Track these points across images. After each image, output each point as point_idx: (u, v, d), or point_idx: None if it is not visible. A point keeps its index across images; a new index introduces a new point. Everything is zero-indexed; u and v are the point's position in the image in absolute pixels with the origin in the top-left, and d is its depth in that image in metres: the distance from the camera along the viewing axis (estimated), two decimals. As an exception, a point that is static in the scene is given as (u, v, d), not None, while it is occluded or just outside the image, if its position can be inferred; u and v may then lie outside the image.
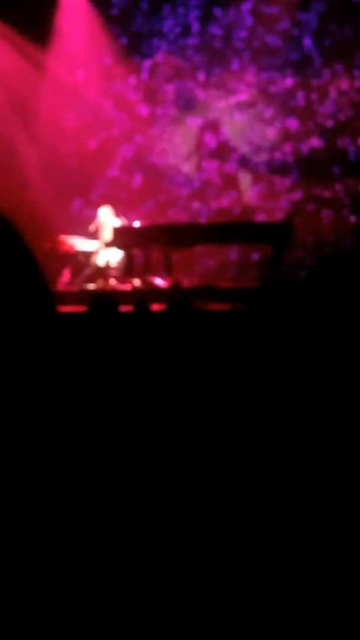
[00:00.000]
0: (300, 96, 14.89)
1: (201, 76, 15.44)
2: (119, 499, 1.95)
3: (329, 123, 14.72)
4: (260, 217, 14.68)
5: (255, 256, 14.31)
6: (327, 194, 14.71)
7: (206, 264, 14.70)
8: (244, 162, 15.34)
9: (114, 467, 2.10)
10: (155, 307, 6.72)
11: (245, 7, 14.96)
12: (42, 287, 1.16)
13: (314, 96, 14.83)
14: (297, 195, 14.89)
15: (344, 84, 14.66)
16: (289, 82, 14.93)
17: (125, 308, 5.73)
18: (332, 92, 14.73)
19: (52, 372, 1.17)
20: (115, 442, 2.31)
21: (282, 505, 2.01)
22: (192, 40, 15.36)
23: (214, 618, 1.76)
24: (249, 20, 14.97)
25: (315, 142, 14.77)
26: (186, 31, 15.39)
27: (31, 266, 1.15)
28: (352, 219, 14.32)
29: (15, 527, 1.18)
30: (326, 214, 14.61)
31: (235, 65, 15.18)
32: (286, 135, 14.99)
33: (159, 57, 15.60)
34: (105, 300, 4.59)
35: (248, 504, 2.00)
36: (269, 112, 15.11)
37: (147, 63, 15.64)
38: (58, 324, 1.18)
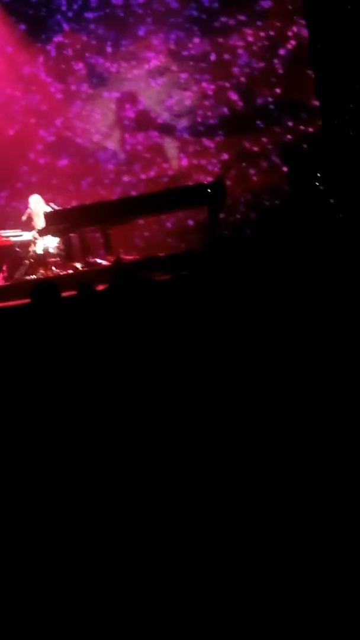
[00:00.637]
0: (210, 54, 14.80)
1: (109, 49, 15.24)
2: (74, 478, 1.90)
3: (243, 78, 14.67)
4: (192, 182, 14.61)
5: (190, 221, 14.29)
6: (255, 147, 14.68)
7: (144, 236, 14.63)
8: (167, 130, 15.23)
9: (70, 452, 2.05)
10: (101, 287, 6.63)
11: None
12: None
13: (224, 52, 14.74)
14: (225, 154, 14.84)
15: (250, 36, 14.60)
16: (196, 41, 14.82)
17: (70, 293, 5.66)
18: (240, 46, 14.66)
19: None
20: (66, 427, 2.26)
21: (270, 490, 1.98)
22: (92, 14, 15.14)
23: (213, 617, 1.73)
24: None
25: (234, 98, 14.71)
26: (85, 5, 15.17)
27: None
28: (284, 168, 14.34)
29: (15, 523, 1.13)
30: (258, 168, 14.60)
31: (141, 32, 15.01)
32: (204, 97, 14.90)
33: (62, 36, 15.37)
34: (45, 288, 4.51)
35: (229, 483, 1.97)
36: (183, 76, 15.00)
37: (51, 45, 15.39)
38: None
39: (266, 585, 1.85)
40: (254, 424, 2.17)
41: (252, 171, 14.59)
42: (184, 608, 1.76)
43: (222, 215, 12.38)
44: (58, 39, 15.37)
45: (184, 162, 15.16)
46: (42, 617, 1.20)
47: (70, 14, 15.24)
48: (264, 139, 14.64)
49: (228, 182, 13.26)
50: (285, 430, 2.17)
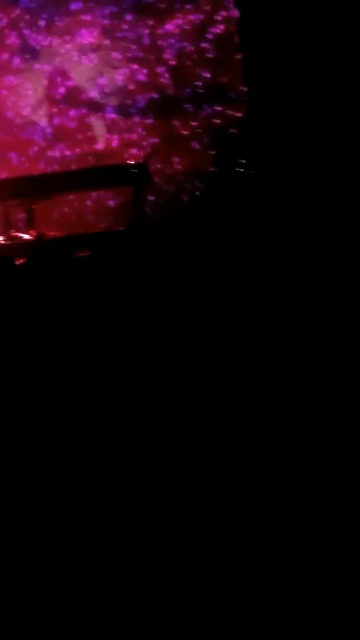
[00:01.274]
0: (143, 36, 14.76)
1: (42, 22, 15.06)
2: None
3: (173, 60, 14.68)
4: (118, 160, 14.56)
5: (115, 200, 14.27)
6: (183, 130, 14.71)
7: (67, 212, 14.55)
8: (96, 108, 15.14)
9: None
10: (20, 261, 6.61)
11: None
12: None
13: (155, 34, 14.71)
14: (152, 136, 14.84)
15: (181, 19, 14.61)
16: (129, 21, 14.76)
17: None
18: (172, 28, 14.66)
19: None
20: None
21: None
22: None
23: (213, 617, 1.77)
24: None
25: (164, 80, 14.71)
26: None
27: None
28: (212, 151, 14.43)
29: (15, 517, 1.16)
30: (185, 151, 14.65)
31: (74, 7, 14.87)
32: (134, 77, 14.87)
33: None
34: None
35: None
36: (114, 55, 14.92)
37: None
38: None
39: (266, 584, 1.91)
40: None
41: (179, 154, 14.63)
42: (184, 608, 1.80)
43: (147, 197, 12.40)
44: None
45: (112, 141, 15.10)
46: (41, 617, 1.23)
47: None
48: (193, 123, 14.70)
49: (155, 164, 13.34)
50: (274, 421, 2.23)
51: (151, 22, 14.64)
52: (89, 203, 14.51)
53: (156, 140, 14.69)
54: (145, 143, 14.76)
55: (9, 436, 2.03)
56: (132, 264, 3.04)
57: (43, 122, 15.33)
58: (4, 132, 15.26)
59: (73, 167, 14.49)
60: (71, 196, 13.96)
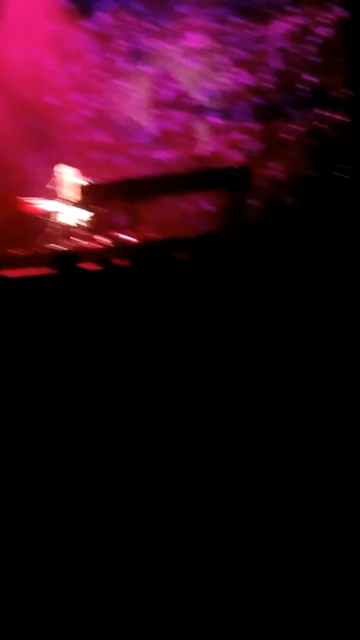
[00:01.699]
0: (249, 39, 14.74)
1: (150, 26, 15.23)
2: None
3: (278, 64, 14.60)
4: (221, 164, 14.58)
5: (217, 204, 14.30)
6: (286, 135, 14.63)
7: (170, 215, 14.64)
8: (200, 111, 15.20)
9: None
10: (122, 262, 6.69)
11: None
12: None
13: (261, 38, 14.67)
14: (255, 140, 14.81)
15: (285, 22, 14.53)
16: (236, 25, 14.76)
17: (92, 266, 5.72)
18: (278, 32, 14.59)
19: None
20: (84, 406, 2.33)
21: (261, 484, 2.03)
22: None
23: (213, 617, 1.77)
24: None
25: (269, 84, 14.65)
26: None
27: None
28: (313, 156, 14.31)
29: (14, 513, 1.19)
30: (288, 155, 14.56)
31: (181, 9, 14.98)
32: (238, 80, 14.86)
33: (105, 12, 15.39)
34: (66, 259, 4.59)
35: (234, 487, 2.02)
36: (220, 59, 14.96)
37: (94, 19, 15.42)
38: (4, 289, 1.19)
39: (266, 584, 1.90)
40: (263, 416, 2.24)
41: (281, 158, 14.53)
42: (184, 607, 1.81)
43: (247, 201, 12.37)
44: (101, 14, 15.39)
45: (215, 145, 15.14)
46: (41, 617, 1.25)
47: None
48: (296, 127, 14.58)
49: (257, 168, 13.30)
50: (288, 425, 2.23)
51: (257, 26, 14.61)
52: (195, 206, 14.57)
53: (259, 144, 14.65)
54: (247, 147, 14.75)
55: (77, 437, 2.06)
56: (232, 268, 3.04)
57: (147, 125, 15.50)
58: (109, 135, 15.50)
59: (175, 170, 14.59)
60: (178, 198, 14.07)
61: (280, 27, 14.51)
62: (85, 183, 12.42)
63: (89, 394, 2.42)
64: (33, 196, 13.29)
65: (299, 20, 14.44)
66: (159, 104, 15.41)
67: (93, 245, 12.05)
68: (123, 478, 1.98)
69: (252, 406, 2.23)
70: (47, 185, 12.65)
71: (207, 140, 15.21)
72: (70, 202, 12.24)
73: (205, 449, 2.13)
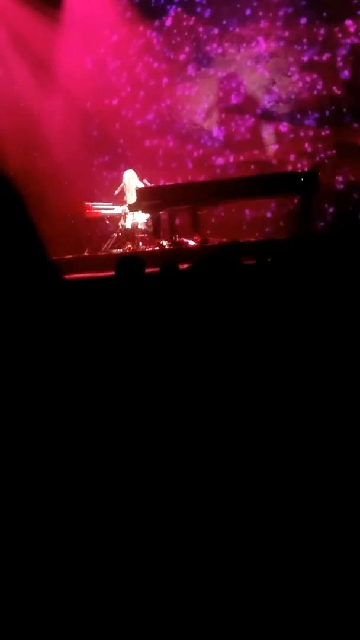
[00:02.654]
0: (318, 44, 14.60)
1: (216, 30, 15.22)
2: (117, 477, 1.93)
3: (347, 70, 14.42)
4: (286, 169, 14.49)
5: (282, 209, 14.21)
6: (352, 139, 14.44)
7: (233, 219, 14.61)
8: (267, 115, 15.13)
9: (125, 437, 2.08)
10: (184, 266, 6.66)
11: None
12: (41, 256, 1.13)
13: (331, 43, 14.51)
14: (322, 145, 14.66)
15: (354, 26, 14.33)
16: (305, 30, 14.64)
17: (154, 269, 5.70)
18: (345, 38, 14.41)
19: (57, 340, 1.14)
20: (136, 402, 2.29)
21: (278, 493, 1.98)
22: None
23: (213, 617, 1.74)
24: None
25: (338, 90, 14.49)
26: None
27: (31, 235, 1.12)
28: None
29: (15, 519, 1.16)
30: (353, 160, 14.37)
31: (249, 12, 14.94)
32: (308, 86, 14.74)
33: (172, 15, 15.45)
34: (131, 263, 4.56)
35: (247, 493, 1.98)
36: (288, 63, 14.86)
37: (161, 23, 15.49)
38: (63, 292, 1.15)
39: (266, 584, 1.85)
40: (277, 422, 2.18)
41: (352, 164, 14.34)
42: (184, 607, 1.77)
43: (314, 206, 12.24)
44: (168, 17, 15.47)
45: (281, 149, 15.04)
46: (41, 617, 1.22)
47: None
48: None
49: (326, 175, 13.17)
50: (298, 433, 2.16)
51: (326, 32, 14.46)
52: (260, 210, 14.51)
53: (327, 150, 14.51)
54: (315, 152, 14.62)
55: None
56: (298, 274, 2.98)
57: (214, 129, 15.49)
58: (172, 137, 15.54)
59: (242, 174, 14.55)
60: (242, 202, 14.04)
61: (350, 31, 14.32)
62: (145, 186, 12.46)
63: (146, 397, 2.38)
64: (99, 201, 13.41)
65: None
66: (224, 109, 15.38)
67: (155, 248, 12.08)
68: (131, 480, 1.94)
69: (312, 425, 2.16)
70: (115, 191, 12.74)
71: (274, 145, 15.12)
72: (134, 206, 12.29)
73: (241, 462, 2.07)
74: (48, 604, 1.25)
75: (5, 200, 1.14)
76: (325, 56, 14.52)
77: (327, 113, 14.56)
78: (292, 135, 14.94)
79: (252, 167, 14.89)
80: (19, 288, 1.09)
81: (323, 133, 14.67)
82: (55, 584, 1.27)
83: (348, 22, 14.31)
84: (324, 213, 13.62)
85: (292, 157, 14.76)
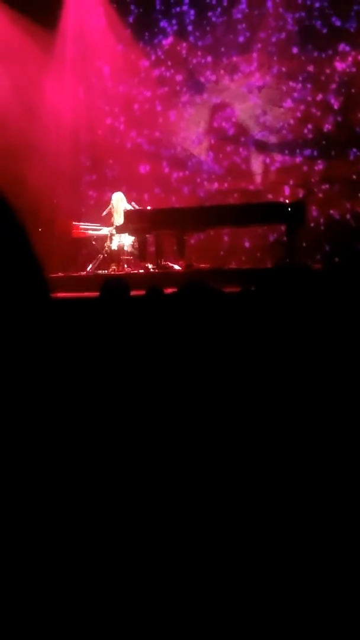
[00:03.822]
0: (309, 75, 14.74)
1: (209, 58, 15.36)
2: (119, 484, 1.94)
3: (338, 101, 14.54)
4: (274, 199, 14.58)
5: (268, 238, 14.30)
6: (341, 173, 14.54)
7: (219, 246, 14.68)
8: (257, 144, 15.24)
9: (120, 453, 2.09)
10: (169, 290, 6.68)
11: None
12: (36, 272, 1.14)
13: (323, 74, 14.65)
14: (311, 175, 14.77)
15: (346, 60, 14.49)
16: (297, 61, 14.80)
17: (138, 292, 5.71)
18: (339, 69, 14.56)
19: (46, 359, 1.15)
20: (123, 425, 2.30)
21: (282, 498, 1.99)
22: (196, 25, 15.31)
23: (213, 617, 1.75)
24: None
25: (329, 122, 14.61)
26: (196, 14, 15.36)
27: (26, 251, 1.13)
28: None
29: (15, 522, 1.16)
30: (341, 194, 14.47)
31: (246, 46, 15.08)
32: (299, 116, 14.87)
33: (165, 43, 15.58)
34: (116, 285, 4.58)
35: (248, 498, 1.99)
36: (279, 93, 14.99)
37: (155, 47, 15.62)
38: (52, 310, 1.16)
39: (267, 584, 1.86)
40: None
41: (342, 196, 14.43)
42: (184, 607, 1.77)
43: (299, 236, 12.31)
44: (160, 45, 15.61)
45: (269, 179, 15.14)
46: (41, 617, 1.23)
47: (177, 21, 15.49)
48: (355, 167, 14.50)
49: (310, 205, 13.26)
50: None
51: (318, 62, 14.62)
52: (246, 238, 14.58)
53: (317, 180, 14.61)
54: (304, 183, 14.70)
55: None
56: (280, 303, 3.00)
57: (204, 156, 15.57)
58: (165, 164, 15.61)
59: (230, 202, 14.64)
60: (229, 230, 14.13)
61: (341, 64, 14.47)
62: (133, 209, 12.52)
63: (129, 418, 2.39)
64: (87, 221, 13.45)
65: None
66: (216, 137, 15.48)
67: (140, 270, 12.11)
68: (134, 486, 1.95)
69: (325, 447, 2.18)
70: (103, 212, 12.80)
71: (262, 174, 15.22)
72: (121, 228, 12.34)
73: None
74: (48, 604, 1.25)
75: (1, 215, 1.15)
76: (317, 88, 14.66)
77: (317, 145, 14.68)
78: (281, 165, 15.05)
79: (241, 195, 14.97)
80: (11, 302, 1.10)
81: (312, 164, 14.79)
82: (55, 584, 1.27)
83: (340, 52, 14.48)
84: (319, 245, 13.70)
85: (280, 187, 14.86)
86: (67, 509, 1.20)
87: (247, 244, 14.66)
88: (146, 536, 1.84)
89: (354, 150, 14.44)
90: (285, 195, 14.53)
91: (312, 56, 14.67)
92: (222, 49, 15.21)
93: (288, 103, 14.94)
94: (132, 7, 15.51)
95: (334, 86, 14.54)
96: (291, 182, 14.82)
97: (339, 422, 2.16)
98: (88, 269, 12.94)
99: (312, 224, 13.93)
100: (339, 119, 14.53)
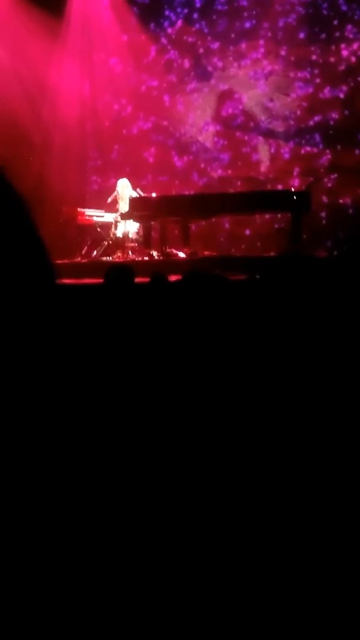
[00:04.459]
0: (317, 63, 14.67)
1: (219, 45, 15.30)
2: (118, 481, 1.94)
3: (346, 89, 14.47)
4: (280, 187, 14.54)
5: (274, 226, 14.26)
6: (349, 161, 14.48)
7: (224, 234, 14.65)
8: (263, 131, 15.19)
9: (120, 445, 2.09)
10: (173, 278, 6.66)
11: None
12: (42, 258, 1.14)
13: (330, 62, 14.58)
14: (317, 163, 14.72)
15: (354, 45, 14.41)
16: (305, 49, 14.73)
17: (143, 279, 5.71)
18: (345, 55, 14.48)
19: (51, 344, 1.15)
20: (126, 413, 2.30)
21: (281, 498, 1.99)
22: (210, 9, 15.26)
23: (213, 616, 1.75)
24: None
25: (336, 109, 14.55)
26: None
27: (32, 238, 1.13)
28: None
29: (15, 522, 1.16)
30: (349, 183, 14.41)
31: (255, 33, 15.01)
32: (306, 104, 14.81)
33: (173, 29, 15.53)
34: (121, 272, 4.57)
35: (248, 497, 1.98)
36: (287, 81, 14.93)
37: (161, 34, 15.57)
38: (57, 295, 1.15)
39: (267, 584, 1.86)
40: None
41: (347, 185, 14.38)
42: (184, 607, 1.77)
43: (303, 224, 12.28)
44: (168, 31, 15.56)
45: (276, 166, 15.09)
46: (41, 617, 1.22)
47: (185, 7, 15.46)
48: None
49: (316, 193, 13.21)
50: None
51: (326, 49, 14.54)
52: (252, 226, 14.55)
53: (322, 169, 14.56)
54: (310, 171, 14.65)
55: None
56: (285, 291, 2.99)
57: (208, 142, 15.53)
58: (171, 150, 15.57)
59: (235, 189, 14.61)
60: (234, 217, 14.09)
61: (350, 50, 14.40)
62: (138, 196, 12.49)
63: (135, 406, 2.39)
64: (91, 208, 13.43)
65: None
66: (222, 124, 15.43)
67: (144, 257, 12.09)
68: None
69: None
70: (108, 199, 12.78)
71: (268, 162, 15.17)
72: (126, 215, 12.32)
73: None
74: (48, 603, 1.25)
75: (7, 201, 1.15)
76: (324, 76, 14.60)
77: (324, 133, 14.62)
78: (287, 154, 15.00)
79: (247, 183, 14.94)
80: (16, 287, 1.09)
81: (319, 152, 14.74)
82: (55, 583, 1.27)
83: (347, 39, 14.41)
84: (326, 234, 13.67)
85: (286, 176, 14.81)
86: (66, 504, 1.20)
87: (247, 232, 14.63)
88: (146, 534, 1.84)
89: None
90: (291, 183, 14.48)
91: (319, 43, 14.60)
92: (230, 36, 15.14)
93: (295, 91, 14.88)
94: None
95: (340, 74, 14.48)
96: (297, 170, 14.77)
97: (342, 412, 2.16)
98: (93, 255, 12.94)
99: (321, 213, 13.91)
100: (346, 107, 14.46)
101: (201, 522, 1.88)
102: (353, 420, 2.12)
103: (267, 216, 14.14)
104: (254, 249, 14.08)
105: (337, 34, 14.45)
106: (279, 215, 13.63)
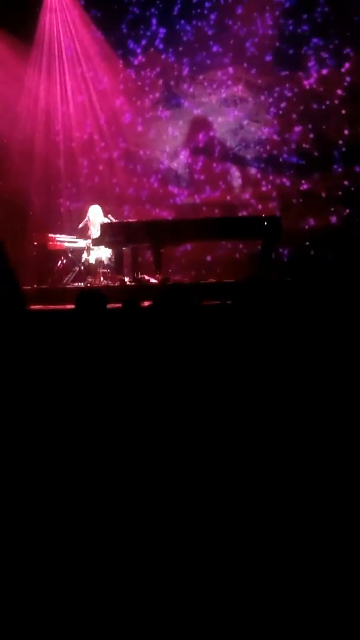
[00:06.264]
0: (285, 90, 14.82)
1: (189, 71, 15.42)
2: (114, 496, 1.93)
3: (315, 117, 14.63)
4: (250, 213, 14.63)
5: (244, 252, 14.33)
6: (316, 187, 14.62)
7: (196, 259, 14.69)
8: (233, 157, 15.29)
9: (103, 463, 2.08)
10: (146, 303, 6.67)
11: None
12: (11, 284, 1.13)
13: (298, 90, 14.74)
14: (287, 191, 14.84)
15: (320, 75, 14.60)
16: (273, 76, 14.89)
17: (115, 305, 5.70)
18: (314, 85, 14.66)
19: (21, 370, 1.14)
20: (100, 437, 2.29)
21: (279, 498, 1.99)
22: (177, 36, 15.39)
23: (213, 616, 1.74)
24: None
25: (305, 136, 14.69)
26: (173, 28, 15.45)
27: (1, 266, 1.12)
28: (345, 211, 14.30)
29: (15, 524, 1.15)
30: (314, 208, 14.54)
31: (224, 60, 15.16)
32: (274, 131, 14.94)
33: (143, 56, 15.65)
34: (92, 297, 4.56)
35: (246, 498, 1.98)
36: (258, 108, 15.06)
37: (133, 59, 15.68)
38: (27, 322, 1.15)
39: (266, 584, 1.86)
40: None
41: (313, 211, 14.51)
42: (184, 607, 1.77)
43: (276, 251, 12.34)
44: (137, 58, 15.67)
45: (246, 193, 15.19)
46: (41, 617, 1.21)
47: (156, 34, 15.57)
48: (328, 181, 14.58)
49: (288, 220, 13.29)
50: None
51: (293, 78, 14.70)
52: (222, 252, 14.62)
53: (290, 195, 14.67)
54: (279, 197, 14.76)
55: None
56: (254, 315, 3.01)
57: (178, 168, 15.61)
58: (142, 176, 15.63)
59: (206, 215, 14.67)
60: (205, 243, 14.14)
61: (316, 80, 14.57)
62: (109, 222, 12.51)
63: (102, 426, 2.38)
64: (62, 233, 13.42)
65: (332, 72, 14.48)
66: (192, 149, 15.52)
67: (116, 283, 12.09)
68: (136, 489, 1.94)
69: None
70: (79, 225, 12.79)
71: (238, 188, 15.26)
72: (98, 241, 12.31)
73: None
74: (48, 603, 1.24)
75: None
76: (293, 104, 14.75)
77: (294, 159, 14.75)
78: (256, 179, 15.10)
79: (216, 209, 15.02)
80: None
81: (286, 178, 14.86)
82: (56, 582, 1.26)
83: (316, 73, 14.59)
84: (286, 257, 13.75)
85: (255, 201, 14.91)
86: (64, 509, 1.20)
87: (223, 257, 14.69)
88: (146, 533, 1.83)
89: (333, 165, 14.51)
90: (262, 209, 14.57)
91: (288, 69, 14.76)
92: (198, 64, 15.28)
93: (265, 118, 15.01)
94: (107, 24, 15.58)
95: (310, 99, 14.63)
96: (267, 196, 14.87)
97: (312, 423, 2.17)
98: (64, 281, 12.91)
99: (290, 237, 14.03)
100: (316, 133, 14.61)
101: (201, 522, 1.87)
102: (319, 436, 2.13)
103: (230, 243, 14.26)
104: (225, 275, 14.14)
105: (306, 59, 14.61)
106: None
